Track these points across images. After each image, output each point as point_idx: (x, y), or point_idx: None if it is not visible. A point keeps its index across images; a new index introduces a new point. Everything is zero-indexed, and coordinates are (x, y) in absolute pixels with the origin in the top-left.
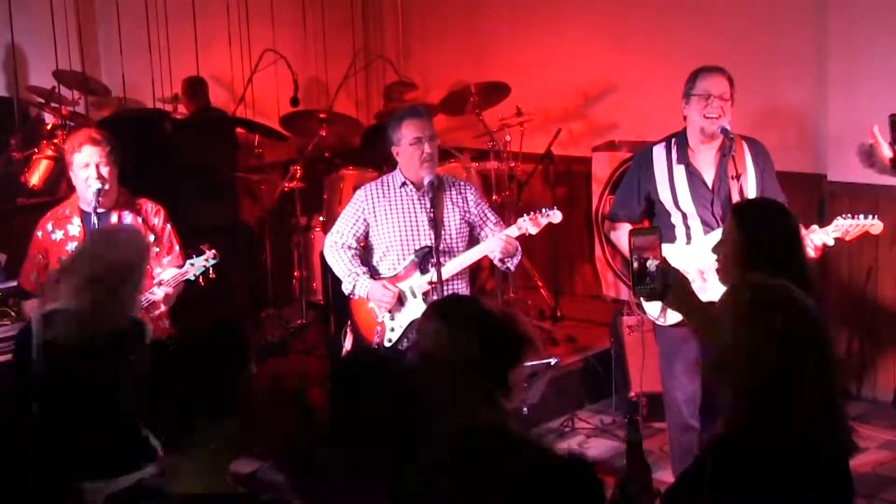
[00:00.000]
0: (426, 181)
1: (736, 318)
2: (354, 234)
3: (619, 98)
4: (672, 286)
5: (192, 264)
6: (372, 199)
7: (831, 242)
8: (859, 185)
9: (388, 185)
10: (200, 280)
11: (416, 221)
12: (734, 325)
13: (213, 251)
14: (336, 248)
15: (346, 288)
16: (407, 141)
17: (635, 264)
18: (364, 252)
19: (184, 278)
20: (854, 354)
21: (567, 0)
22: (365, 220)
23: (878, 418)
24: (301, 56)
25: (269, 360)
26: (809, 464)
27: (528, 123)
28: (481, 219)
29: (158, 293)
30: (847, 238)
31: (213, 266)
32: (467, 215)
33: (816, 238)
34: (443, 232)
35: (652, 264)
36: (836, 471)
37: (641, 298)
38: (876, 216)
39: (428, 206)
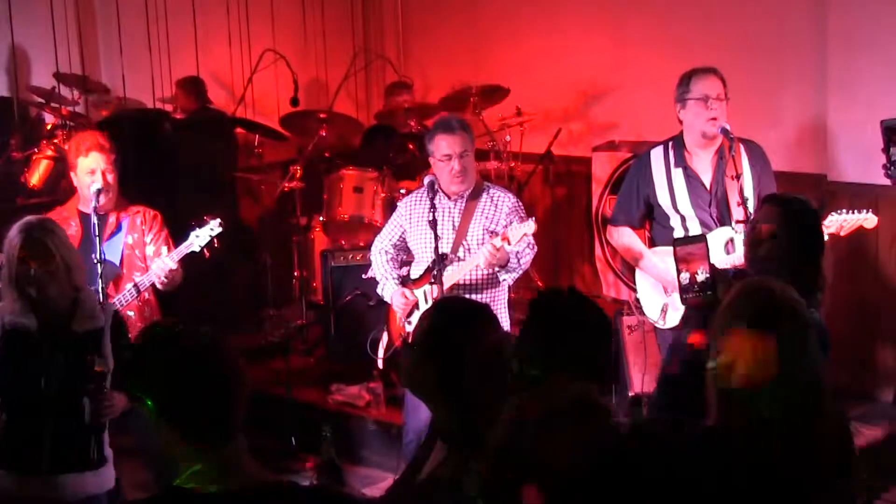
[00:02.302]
0: (426, 181)
1: (730, 317)
2: (391, 240)
3: (619, 98)
4: (723, 293)
5: (198, 235)
6: (409, 205)
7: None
8: (859, 185)
9: (426, 192)
10: (205, 252)
11: (442, 229)
12: (724, 322)
13: (218, 220)
14: (376, 252)
15: (380, 290)
16: (437, 157)
17: (681, 273)
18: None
19: (188, 250)
20: (854, 354)
21: (567, 0)
22: (401, 225)
23: (879, 418)
24: (301, 56)
25: (269, 360)
26: (788, 460)
27: (528, 123)
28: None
29: (159, 266)
30: (842, 233)
31: (216, 235)
32: (491, 226)
33: None
34: (464, 241)
35: (701, 273)
36: (827, 469)
37: (690, 305)
38: (870, 210)
39: (427, 207)
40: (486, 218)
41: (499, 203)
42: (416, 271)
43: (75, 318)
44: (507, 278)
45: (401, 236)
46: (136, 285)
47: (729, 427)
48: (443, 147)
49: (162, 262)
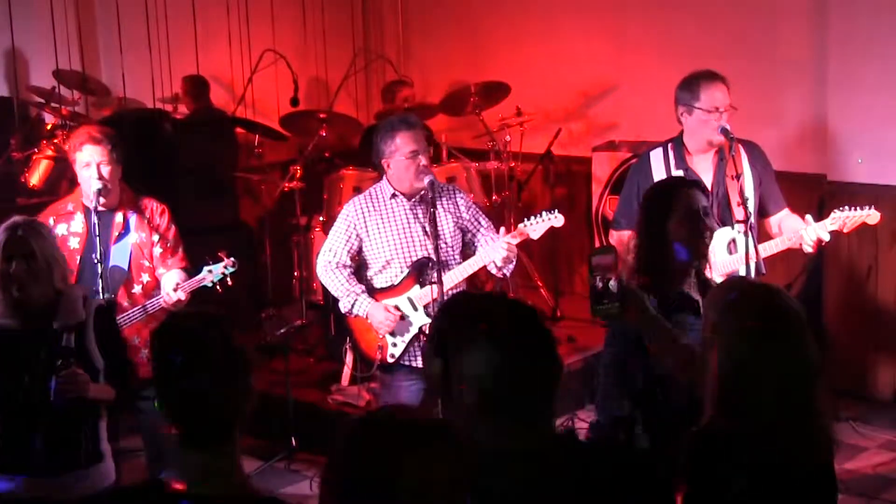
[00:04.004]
0: (426, 181)
1: (714, 314)
2: (348, 252)
3: (619, 98)
4: (629, 304)
5: (210, 271)
6: (362, 213)
7: (827, 237)
8: (859, 184)
9: (378, 198)
10: (218, 288)
11: (410, 232)
12: (711, 320)
13: (232, 259)
14: (330, 269)
15: (343, 307)
16: (402, 154)
17: (595, 285)
18: (358, 267)
19: (200, 285)
20: (854, 354)
21: (567, 0)
22: (357, 235)
23: (878, 418)
24: (301, 56)
25: (269, 360)
26: (783, 458)
27: (528, 123)
28: (474, 224)
29: (172, 297)
30: (845, 230)
31: (230, 274)
32: (460, 221)
33: (812, 232)
34: (440, 241)
35: (611, 284)
36: (815, 468)
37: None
38: (872, 207)
39: (426, 207)
40: (450, 213)
41: (453, 196)
42: (382, 279)
43: (56, 316)
44: (507, 272)
45: (358, 247)
46: (143, 307)
47: (726, 427)
48: (409, 143)
49: (173, 294)
